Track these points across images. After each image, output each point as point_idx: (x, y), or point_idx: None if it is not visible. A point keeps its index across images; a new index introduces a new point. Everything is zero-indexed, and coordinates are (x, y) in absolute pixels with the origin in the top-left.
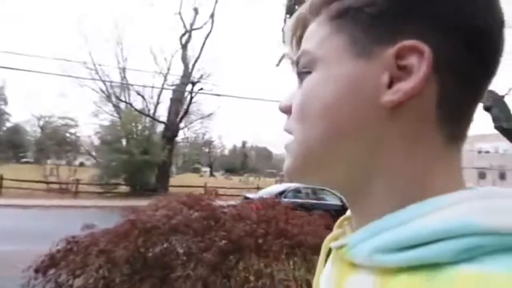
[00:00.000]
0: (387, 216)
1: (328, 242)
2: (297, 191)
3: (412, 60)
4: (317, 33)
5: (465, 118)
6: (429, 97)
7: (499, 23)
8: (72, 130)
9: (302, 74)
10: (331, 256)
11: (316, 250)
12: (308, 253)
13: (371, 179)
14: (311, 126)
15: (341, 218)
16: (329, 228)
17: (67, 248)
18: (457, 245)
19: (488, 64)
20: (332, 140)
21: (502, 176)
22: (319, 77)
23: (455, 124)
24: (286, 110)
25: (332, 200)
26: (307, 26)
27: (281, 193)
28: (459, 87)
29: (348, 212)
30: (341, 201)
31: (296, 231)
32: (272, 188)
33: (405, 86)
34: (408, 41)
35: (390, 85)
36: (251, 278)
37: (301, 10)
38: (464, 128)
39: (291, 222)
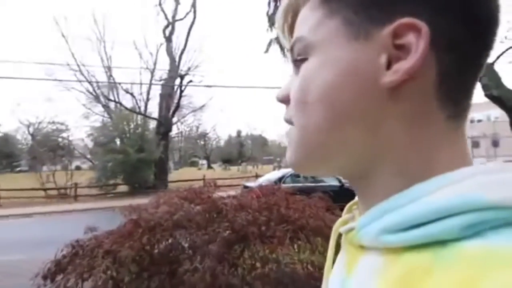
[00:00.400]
0: (393, 197)
1: (338, 226)
2: (295, 176)
3: (409, 38)
4: (309, 18)
5: (466, 96)
6: (429, 75)
7: None
8: (63, 135)
9: (298, 62)
10: (342, 241)
11: (318, 232)
12: (310, 235)
13: (376, 162)
14: (312, 111)
15: (350, 203)
16: (329, 209)
17: (73, 253)
18: (461, 221)
19: (486, 38)
20: (334, 124)
21: (495, 144)
22: (317, 62)
23: (456, 102)
24: (284, 100)
25: (330, 181)
26: (299, 12)
27: (280, 179)
28: (458, 64)
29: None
30: (340, 181)
31: (298, 215)
32: (270, 175)
33: (404, 65)
34: (404, 19)
35: (388, 65)
36: (258, 265)
37: None
38: (465, 105)
39: (292, 207)
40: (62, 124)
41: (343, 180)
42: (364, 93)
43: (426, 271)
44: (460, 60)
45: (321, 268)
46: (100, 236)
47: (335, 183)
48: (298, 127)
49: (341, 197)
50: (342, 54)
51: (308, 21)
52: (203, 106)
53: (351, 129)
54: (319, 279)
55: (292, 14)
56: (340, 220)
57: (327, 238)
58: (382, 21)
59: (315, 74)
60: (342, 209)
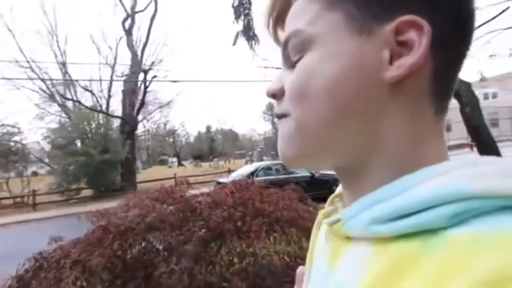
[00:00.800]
0: (382, 187)
1: (321, 219)
2: (268, 169)
3: (411, 35)
4: (306, 10)
5: (450, 92)
6: (425, 72)
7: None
8: (16, 138)
9: (293, 55)
10: (323, 232)
11: (293, 223)
12: (285, 226)
13: (370, 155)
14: (314, 105)
15: (332, 195)
16: (302, 200)
17: (36, 266)
18: (447, 210)
19: (470, 37)
20: (336, 117)
21: (448, 128)
22: (317, 56)
23: (443, 98)
24: (278, 94)
25: (301, 173)
26: (289, 4)
27: (253, 173)
28: (449, 62)
29: (338, 189)
30: (310, 172)
31: (272, 208)
32: (243, 170)
33: (408, 60)
34: (405, 16)
35: (390, 61)
36: (235, 260)
37: None
38: (448, 102)
39: (266, 200)
40: (13, 126)
41: (313, 171)
42: (366, 87)
43: (414, 259)
44: (452, 57)
45: (296, 258)
46: (66, 245)
47: (306, 173)
48: (297, 121)
49: (312, 187)
50: (344, 48)
51: (305, 13)
52: (170, 102)
53: (352, 122)
54: (296, 269)
55: (281, 6)
56: (322, 212)
57: (301, 228)
58: (384, 17)
59: (316, 67)
60: (314, 199)
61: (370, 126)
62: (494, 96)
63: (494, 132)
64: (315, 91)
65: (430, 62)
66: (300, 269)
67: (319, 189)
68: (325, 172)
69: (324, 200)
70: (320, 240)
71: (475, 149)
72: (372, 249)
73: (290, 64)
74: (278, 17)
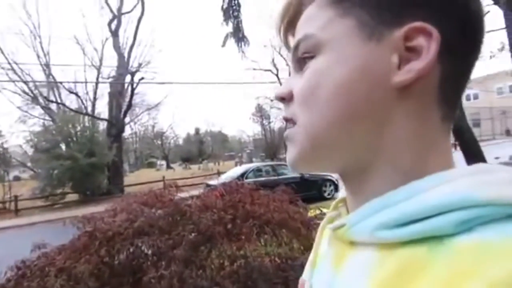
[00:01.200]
0: (389, 193)
1: (325, 224)
2: (257, 170)
3: (420, 41)
4: (318, 16)
5: (458, 100)
6: (432, 78)
7: (483, 10)
8: None
9: (302, 60)
10: (326, 238)
11: (283, 225)
12: (276, 228)
13: (377, 159)
14: (323, 108)
15: (336, 200)
16: (292, 201)
17: (19, 275)
18: (456, 217)
19: (479, 47)
20: (345, 120)
21: None
22: (328, 60)
23: (450, 106)
24: (287, 98)
25: (291, 173)
26: (300, 12)
27: (243, 175)
28: (457, 69)
29: (342, 194)
30: (300, 173)
31: (263, 210)
32: (232, 172)
33: (417, 65)
34: (415, 23)
35: (398, 66)
36: (226, 263)
37: None
38: (455, 109)
39: (257, 203)
40: None
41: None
42: (375, 91)
43: (422, 265)
44: (459, 66)
45: (288, 259)
46: (51, 252)
47: (296, 175)
48: (305, 124)
49: (302, 188)
50: (355, 52)
51: (317, 19)
52: (157, 104)
53: (360, 126)
54: (287, 270)
55: (293, 13)
56: (326, 217)
57: (292, 230)
58: (394, 24)
59: (327, 71)
60: (304, 200)
61: (378, 130)
62: (476, 97)
63: (476, 132)
64: (324, 94)
65: (438, 69)
66: (301, 280)
67: (308, 190)
68: (314, 173)
69: (313, 200)
70: (323, 245)
71: (458, 148)
72: (378, 254)
73: (300, 68)
74: (290, 23)
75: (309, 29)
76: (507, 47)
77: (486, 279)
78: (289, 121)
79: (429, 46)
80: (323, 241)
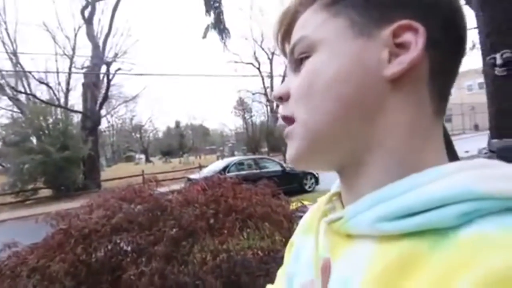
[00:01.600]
0: (388, 186)
1: (320, 218)
2: (239, 164)
3: (407, 37)
4: (313, 20)
5: (448, 94)
6: (422, 71)
7: (462, 9)
8: None
9: (298, 61)
10: (315, 231)
11: (266, 218)
12: (259, 222)
13: (372, 152)
14: (318, 103)
15: (329, 194)
16: (274, 195)
17: None
18: (457, 209)
19: (463, 44)
20: (340, 114)
21: None
22: (322, 57)
23: (441, 99)
24: (284, 97)
25: (273, 167)
26: (295, 19)
27: (224, 169)
28: (444, 63)
29: (335, 188)
30: (281, 166)
31: (245, 204)
32: (214, 166)
33: (407, 58)
34: (402, 21)
35: (389, 60)
36: (208, 258)
37: (289, 5)
38: (446, 103)
39: (239, 197)
40: None
41: (284, 165)
42: (367, 84)
43: (421, 257)
44: (446, 59)
45: (270, 252)
46: (22, 252)
47: (278, 168)
48: (302, 120)
49: (284, 181)
50: (347, 48)
51: (312, 22)
52: (135, 96)
53: (355, 119)
54: (269, 263)
55: (288, 21)
56: (320, 211)
57: (274, 223)
58: (383, 22)
59: (321, 67)
60: (286, 193)
61: (372, 122)
62: None
63: (447, 126)
64: (319, 89)
65: (426, 63)
66: (287, 272)
67: (290, 183)
68: None
69: (295, 193)
70: (308, 239)
71: None
72: (377, 246)
73: (297, 69)
74: (286, 32)
75: (304, 31)
76: (477, 46)
77: (484, 269)
78: (287, 119)
79: (416, 40)
80: (304, 234)
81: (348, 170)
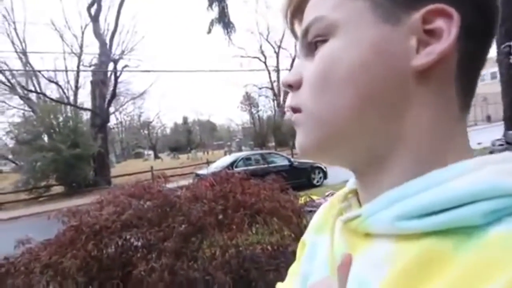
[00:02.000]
0: (409, 182)
1: (336, 216)
2: (247, 159)
3: (439, 23)
4: None
5: (474, 88)
6: (451, 64)
7: None
8: None
9: (312, 44)
10: (330, 229)
11: (274, 213)
12: (267, 217)
13: (394, 148)
14: (336, 94)
15: (344, 191)
16: (283, 190)
17: (2, 272)
18: (484, 207)
19: (494, 34)
20: (360, 106)
21: None
22: (341, 42)
23: (467, 93)
24: (295, 85)
25: (280, 162)
26: None
27: (232, 164)
28: (475, 55)
29: (350, 185)
30: (289, 161)
31: (254, 200)
32: (222, 161)
33: (437, 48)
34: (433, 5)
35: (417, 50)
36: (218, 253)
37: None
38: (471, 99)
39: (247, 192)
40: None
41: (292, 159)
42: (393, 74)
43: (446, 257)
44: (476, 50)
45: (279, 247)
46: (35, 248)
47: (285, 162)
48: (316, 112)
49: (291, 175)
50: (369, 34)
51: (327, 1)
52: (143, 93)
53: (376, 112)
54: (279, 258)
55: None
56: (335, 210)
57: (283, 218)
58: (411, 6)
59: (339, 54)
60: (294, 188)
61: (395, 117)
62: None
63: None
64: (337, 79)
65: (456, 54)
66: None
67: (298, 178)
68: (303, 160)
69: (303, 188)
70: (323, 238)
71: None
72: (395, 246)
73: (310, 53)
74: (297, 8)
75: (319, 11)
76: None
77: None
78: (296, 110)
79: (450, 29)
80: (324, 234)
81: (366, 166)
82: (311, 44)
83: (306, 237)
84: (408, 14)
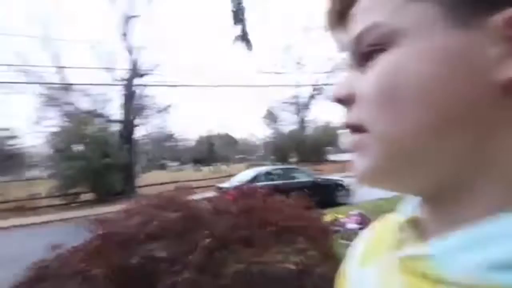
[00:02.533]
0: (503, 220)
1: (390, 250)
2: (268, 174)
3: None
4: (386, 1)
5: None
6: None
7: None
8: (15, 142)
9: (367, 54)
10: (381, 266)
11: (300, 232)
12: (293, 235)
13: (477, 176)
14: (406, 112)
15: (403, 219)
16: (308, 208)
17: (34, 276)
18: None
19: None
20: (436, 128)
21: None
22: (406, 52)
23: None
24: (348, 100)
25: (302, 178)
26: None
27: (254, 178)
28: None
29: (410, 211)
30: (312, 177)
31: (279, 217)
32: (243, 175)
33: None
34: None
35: (500, 60)
36: (242, 270)
37: None
38: None
39: (272, 208)
40: (6, 129)
41: (315, 176)
42: (473, 90)
43: None
44: None
45: (305, 267)
46: (65, 254)
47: (308, 178)
48: (383, 133)
49: (314, 193)
50: (440, 43)
51: (385, 4)
52: (168, 106)
53: (457, 135)
54: (304, 279)
55: (345, 1)
56: (389, 240)
57: (308, 237)
58: (489, 9)
59: (406, 66)
60: (316, 205)
61: (479, 140)
62: None
63: None
64: (408, 94)
65: None
66: None
67: (321, 195)
68: (325, 177)
69: (326, 205)
70: (371, 271)
71: None
72: None
73: (363, 64)
74: (344, 10)
75: (376, 16)
76: None
77: None
78: (354, 128)
79: None
80: (370, 268)
81: (439, 196)
82: (365, 54)
83: (347, 269)
84: (483, 18)
